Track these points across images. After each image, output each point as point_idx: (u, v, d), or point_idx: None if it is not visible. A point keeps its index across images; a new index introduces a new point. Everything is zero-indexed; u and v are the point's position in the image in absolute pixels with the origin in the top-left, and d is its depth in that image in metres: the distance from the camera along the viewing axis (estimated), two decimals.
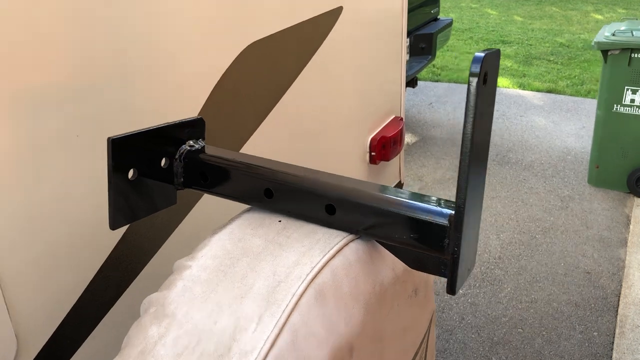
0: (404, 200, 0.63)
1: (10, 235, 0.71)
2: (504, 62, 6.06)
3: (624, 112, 3.18)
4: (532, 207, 3.25)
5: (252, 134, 1.14)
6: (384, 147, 1.66)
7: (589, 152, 3.75)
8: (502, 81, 5.48)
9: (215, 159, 0.74)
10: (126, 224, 0.71)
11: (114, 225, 0.68)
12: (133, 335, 0.60)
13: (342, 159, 1.55)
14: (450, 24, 4.40)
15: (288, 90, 1.23)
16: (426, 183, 3.50)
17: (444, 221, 0.60)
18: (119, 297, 0.90)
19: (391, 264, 0.71)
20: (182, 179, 0.76)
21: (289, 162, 1.29)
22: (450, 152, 3.97)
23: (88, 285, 0.83)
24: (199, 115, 0.97)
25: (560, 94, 5.16)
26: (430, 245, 0.61)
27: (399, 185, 1.91)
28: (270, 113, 1.18)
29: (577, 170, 3.66)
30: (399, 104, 1.83)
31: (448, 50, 6.53)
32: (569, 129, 4.32)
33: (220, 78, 1.02)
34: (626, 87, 3.15)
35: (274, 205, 0.71)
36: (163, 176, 0.74)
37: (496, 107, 4.83)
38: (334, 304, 0.60)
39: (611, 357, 2.24)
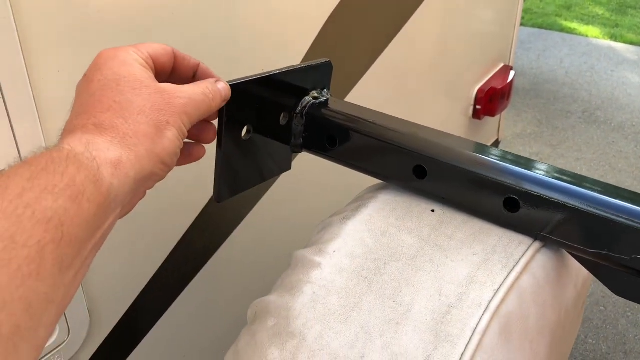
0: (634, 205, 0.44)
1: None
2: (595, 10, 5.55)
3: None
4: (620, 172, 2.98)
5: (356, 83, 0.96)
6: (491, 101, 1.44)
7: None
8: (591, 31, 5.04)
9: (346, 118, 0.57)
10: (233, 196, 0.55)
11: (220, 197, 0.53)
12: (246, 354, 0.45)
13: (442, 112, 1.35)
14: None
15: (393, 41, 1.03)
16: (506, 137, 3.25)
17: None
18: (202, 267, 0.76)
19: (575, 278, 0.53)
20: (301, 140, 0.59)
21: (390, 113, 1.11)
22: (533, 104, 3.67)
23: (169, 255, 0.69)
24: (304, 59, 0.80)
25: None
26: None
27: (496, 143, 1.70)
28: (376, 61, 0.99)
29: None
30: (508, 50, 1.59)
31: None
32: None
33: (325, 24, 0.83)
34: None
35: (425, 186, 0.53)
36: (280, 135, 0.58)
37: (585, 59, 4.44)
38: (519, 342, 0.43)
39: None
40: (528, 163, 0.50)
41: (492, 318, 0.42)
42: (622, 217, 0.44)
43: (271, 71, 0.53)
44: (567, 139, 3.28)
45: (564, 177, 0.48)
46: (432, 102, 1.28)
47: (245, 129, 0.53)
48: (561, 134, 3.32)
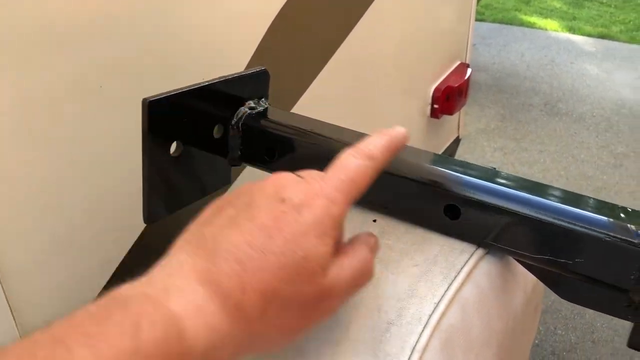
0: (578, 209, 0.43)
1: (10, 217, 0.53)
2: (552, 3, 5.65)
3: None
4: (583, 163, 3.02)
5: (309, 85, 0.94)
6: (448, 99, 1.44)
7: None
8: (550, 24, 5.11)
9: (283, 128, 0.55)
10: (166, 215, 0.52)
11: (149, 218, 0.50)
12: None
13: (399, 113, 1.34)
14: None
15: (347, 38, 1.01)
16: (469, 133, 3.27)
17: (638, 246, 0.41)
18: None
19: (523, 283, 0.52)
20: (239, 152, 0.57)
21: (344, 116, 1.09)
22: (496, 99, 3.71)
23: (110, 278, 0.66)
24: (248, 66, 0.77)
25: (613, 40, 4.79)
26: (606, 276, 0.42)
27: (457, 141, 1.70)
28: (329, 62, 0.97)
29: (633, 125, 3.39)
30: (465, 48, 1.59)
31: None
32: (623, 80, 4.00)
33: (270, 25, 0.81)
34: None
35: (367, 196, 0.51)
36: (215, 149, 0.55)
37: (545, 52, 4.50)
38: (462, 355, 0.42)
39: None
40: (468, 168, 0.48)
41: (432, 333, 0.40)
42: (563, 221, 0.43)
43: (198, 83, 0.50)
44: (530, 132, 3.31)
45: (505, 182, 0.46)
46: (389, 103, 1.27)
47: (174, 145, 0.50)
48: (524, 128, 3.36)
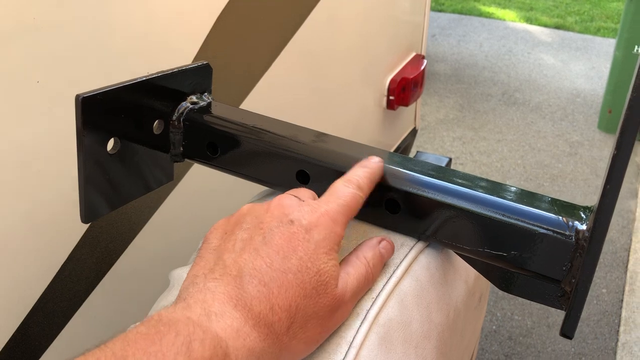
0: (512, 202, 0.44)
1: None
2: None
3: None
4: (539, 152, 3.09)
5: (259, 80, 0.93)
6: (404, 90, 1.45)
7: (600, 96, 3.56)
8: (508, 14, 5.19)
9: (226, 124, 0.54)
10: (106, 213, 0.51)
11: (87, 217, 0.49)
12: None
13: (355, 105, 1.34)
14: None
15: (299, 30, 1.00)
16: (429, 123, 3.30)
17: (570, 237, 0.41)
18: (96, 286, 0.71)
19: (464, 274, 0.53)
20: (181, 149, 0.56)
21: (297, 111, 1.09)
22: (455, 89, 3.75)
23: (55, 277, 0.65)
24: (194, 60, 0.76)
25: (568, 30, 4.90)
26: (540, 268, 0.43)
27: (413, 132, 1.72)
28: (279, 56, 0.97)
29: (587, 114, 3.48)
30: (420, 39, 1.60)
31: None
32: (578, 69, 4.10)
33: (219, 16, 0.79)
34: None
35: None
36: (156, 145, 0.54)
37: (503, 42, 4.57)
38: (402, 349, 0.42)
39: (620, 315, 2.14)
40: (406, 162, 0.49)
41: (370, 328, 0.40)
42: (498, 214, 0.44)
43: (136, 78, 0.49)
44: (488, 121, 3.37)
45: (443, 176, 0.47)
46: (345, 96, 1.27)
47: (111, 142, 0.49)
48: (482, 117, 3.41)
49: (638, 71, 0.34)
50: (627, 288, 2.26)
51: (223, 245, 0.39)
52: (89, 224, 0.67)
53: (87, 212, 0.49)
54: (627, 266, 2.38)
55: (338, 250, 0.40)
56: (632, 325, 2.07)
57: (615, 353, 1.94)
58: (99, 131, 0.47)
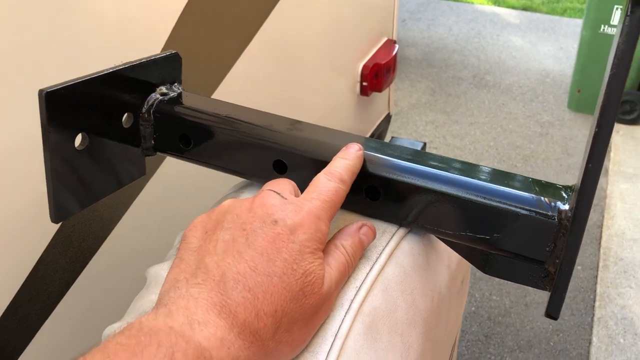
0: (493, 184, 0.43)
1: None
2: None
3: (612, 33, 2.99)
4: (511, 133, 3.12)
5: (230, 68, 0.91)
6: (376, 76, 1.44)
7: (568, 75, 3.60)
8: None
9: (198, 114, 0.53)
10: (77, 211, 0.49)
11: (57, 217, 0.47)
12: None
13: (329, 92, 1.33)
14: None
15: (268, 17, 0.99)
16: (402, 108, 3.31)
17: (552, 218, 0.41)
18: (70, 287, 0.69)
19: (447, 259, 0.52)
20: (152, 142, 0.54)
21: (270, 100, 1.07)
22: (426, 73, 3.76)
23: (26, 280, 0.63)
24: (163, 49, 0.74)
25: (536, 12, 4.94)
26: (523, 250, 0.43)
27: (388, 117, 1.71)
28: (250, 43, 0.95)
29: (557, 94, 3.52)
30: (391, 24, 1.59)
31: None
32: (546, 50, 4.14)
33: (186, 5, 0.77)
34: (615, 7, 2.96)
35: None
36: (126, 139, 0.52)
37: (472, 25, 4.59)
38: (388, 337, 0.41)
39: (595, 291, 2.18)
40: (384, 148, 0.48)
41: (355, 317, 0.39)
42: (479, 197, 0.43)
43: (102, 70, 0.47)
44: (460, 105, 3.38)
45: (421, 160, 0.46)
46: (318, 83, 1.26)
47: (79, 138, 0.47)
48: (454, 101, 3.43)
49: (615, 50, 0.34)
50: (600, 264, 2.30)
51: (204, 246, 0.37)
52: (59, 224, 0.65)
53: (57, 212, 0.47)
54: (600, 243, 2.43)
55: (322, 248, 0.39)
56: (606, 300, 2.11)
57: (591, 328, 1.98)
58: (65, 127, 0.45)
